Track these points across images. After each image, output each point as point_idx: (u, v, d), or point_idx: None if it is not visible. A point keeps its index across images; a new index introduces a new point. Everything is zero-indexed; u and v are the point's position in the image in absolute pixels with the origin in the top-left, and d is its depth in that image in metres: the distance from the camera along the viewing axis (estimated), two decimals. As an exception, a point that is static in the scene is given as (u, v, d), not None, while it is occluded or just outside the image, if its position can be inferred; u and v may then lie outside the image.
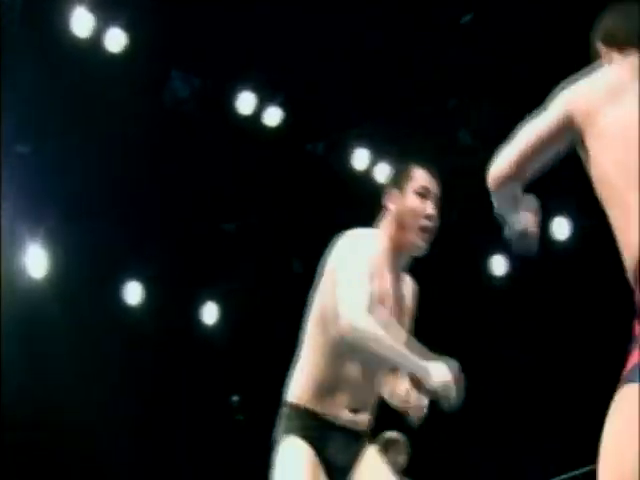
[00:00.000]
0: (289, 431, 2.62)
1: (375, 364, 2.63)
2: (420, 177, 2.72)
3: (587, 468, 5.42)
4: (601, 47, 2.17)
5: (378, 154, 7.53)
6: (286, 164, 7.63)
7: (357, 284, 2.51)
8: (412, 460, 5.23)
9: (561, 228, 7.95)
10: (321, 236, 7.89)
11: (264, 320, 8.49)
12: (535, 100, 2.19)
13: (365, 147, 7.51)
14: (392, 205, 2.72)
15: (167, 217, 7.67)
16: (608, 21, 2.16)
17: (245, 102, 7.00)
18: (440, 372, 2.41)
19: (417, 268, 2.89)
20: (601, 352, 8.00)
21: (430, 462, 7.33)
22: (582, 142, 1.99)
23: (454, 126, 7.40)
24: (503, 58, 6.73)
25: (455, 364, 2.48)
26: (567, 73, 2.11)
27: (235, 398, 9.23)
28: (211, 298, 8.38)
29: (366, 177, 7.57)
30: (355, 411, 2.65)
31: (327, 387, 2.63)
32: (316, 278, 2.74)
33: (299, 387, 2.67)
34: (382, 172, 7.52)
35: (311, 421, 2.62)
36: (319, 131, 7.57)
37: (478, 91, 6.94)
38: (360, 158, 7.54)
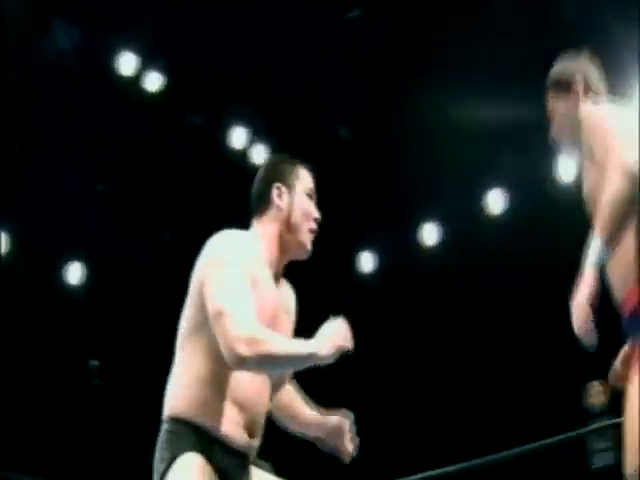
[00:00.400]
0: (181, 449, 2.18)
1: (275, 378, 2.34)
2: (307, 178, 2.53)
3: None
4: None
5: (257, 135, 7.54)
6: (164, 131, 7.54)
7: (237, 299, 2.16)
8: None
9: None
10: (191, 205, 7.98)
11: (129, 284, 8.40)
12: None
13: (244, 126, 7.50)
14: (282, 203, 2.45)
15: (34, 170, 7.47)
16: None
17: (127, 63, 6.91)
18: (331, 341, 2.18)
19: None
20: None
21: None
22: None
23: (333, 120, 7.48)
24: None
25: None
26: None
27: (94, 363, 9.11)
28: (77, 258, 8.24)
29: (243, 156, 7.57)
30: (251, 435, 2.28)
31: (217, 403, 2.22)
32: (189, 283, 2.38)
33: (184, 400, 2.25)
34: (259, 154, 7.56)
35: (203, 439, 2.20)
36: (200, 103, 7.50)
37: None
38: (238, 136, 7.52)
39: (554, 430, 5.37)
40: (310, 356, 2.13)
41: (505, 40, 6.57)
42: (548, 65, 2.92)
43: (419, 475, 5.55)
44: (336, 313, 2.27)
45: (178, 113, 7.49)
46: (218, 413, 2.19)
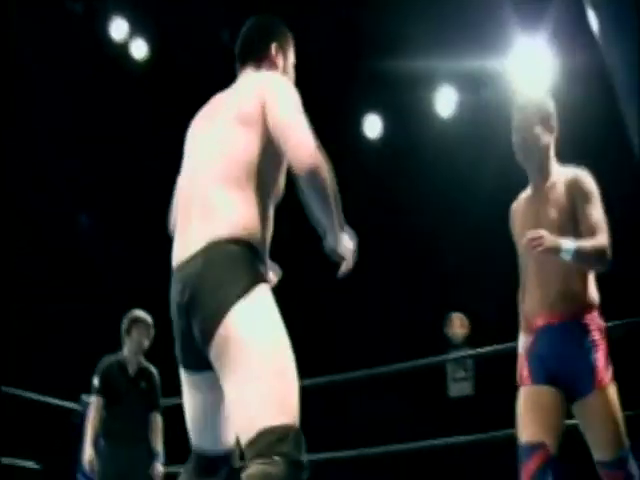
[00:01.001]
0: (259, 277, 2.06)
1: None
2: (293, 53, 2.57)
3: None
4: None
5: (137, 28, 7.17)
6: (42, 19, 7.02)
7: (305, 120, 2.18)
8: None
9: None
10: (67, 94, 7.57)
11: None
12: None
13: (125, 18, 7.10)
14: (278, 62, 2.49)
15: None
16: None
17: None
18: (348, 243, 2.31)
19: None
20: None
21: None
22: None
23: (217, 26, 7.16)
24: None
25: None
26: None
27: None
28: None
29: (122, 49, 7.20)
30: None
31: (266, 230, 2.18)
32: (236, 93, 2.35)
33: (252, 224, 2.12)
34: (138, 48, 7.21)
35: (264, 271, 2.14)
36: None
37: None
38: (118, 28, 7.12)
39: (415, 356, 5.42)
40: (336, 226, 2.20)
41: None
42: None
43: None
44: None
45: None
46: (267, 244, 2.19)
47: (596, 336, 2.99)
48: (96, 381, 5.07)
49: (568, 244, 2.87)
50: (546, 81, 6.78)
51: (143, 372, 5.22)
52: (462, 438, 4.98)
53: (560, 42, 6.62)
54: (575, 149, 6.22)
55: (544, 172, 3.20)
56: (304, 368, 2.27)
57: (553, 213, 3.09)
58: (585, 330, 2.99)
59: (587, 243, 2.91)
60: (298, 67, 2.53)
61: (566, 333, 3.00)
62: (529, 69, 6.82)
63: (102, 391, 5.05)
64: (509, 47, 6.80)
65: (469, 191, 7.03)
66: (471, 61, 6.81)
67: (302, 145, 2.10)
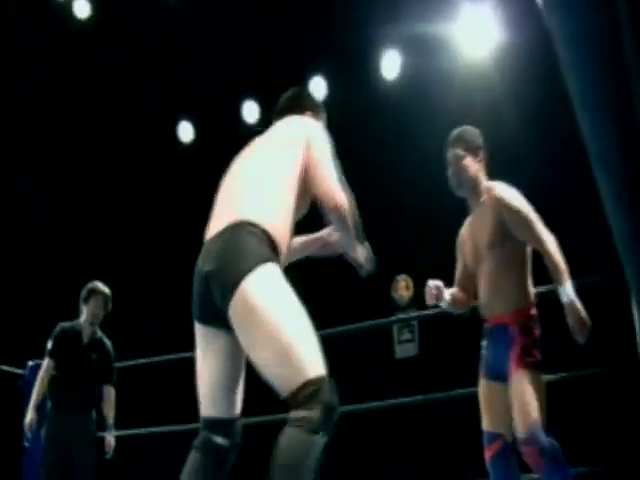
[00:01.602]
0: (269, 256, 2.39)
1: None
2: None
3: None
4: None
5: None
6: None
7: (335, 169, 2.65)
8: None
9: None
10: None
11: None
12: None
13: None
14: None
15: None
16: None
17: None
18: (364, 253, 2.79)
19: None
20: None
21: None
22: None
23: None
24: None
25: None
26: None
27: None
28: None
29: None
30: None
31: (286, 239, 2.57)
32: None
33: (274, 218, 2.50)
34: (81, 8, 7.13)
35: (277, 256, 2.47)
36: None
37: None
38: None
39: (361, 318, 5.49)
40: (354, 243, 2.72)
41: None
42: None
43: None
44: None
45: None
46: (284, 242, 2.51)
47: (515, 333, 3.31)
48: (49, 344, 5.10)
49: (571, 297, 3.25)
50: (490, 48, 6.85)
51: (97, 343, 5.24)
52: (408, 399, 5.09)
53: (505, 10, 6.68)
54: (520, 117, 6.33)
55: (477, 196, 3.54)
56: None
57: (485, 233, 3.45)
58: (508, 331, 3.33)
59: (558, 274, 3.25)
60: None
61: (495, 335, 3.40)
62: (474, 35, 6.88)
63: (54, 354, 5.07)
64: (456, 13, 6.84)
65: (415, 155, 7.08)
66: (418, 26, 6.84)
67: (330, 192, 2.57)
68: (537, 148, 6.18)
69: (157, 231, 8.87)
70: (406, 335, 7.80)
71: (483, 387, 3.46)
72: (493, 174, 3.61)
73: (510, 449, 3.35)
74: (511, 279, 3.39)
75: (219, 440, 2.46)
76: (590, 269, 4.64)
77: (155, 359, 5.97)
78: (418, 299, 8.45)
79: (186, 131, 8.61)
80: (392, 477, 7.02)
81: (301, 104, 2.99)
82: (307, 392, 2.22)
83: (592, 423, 6.66)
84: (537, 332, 3.37)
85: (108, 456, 5.09)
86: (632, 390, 4.68)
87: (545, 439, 3.16)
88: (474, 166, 3.54)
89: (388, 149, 7.78)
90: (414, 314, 7.09)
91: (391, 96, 7.63)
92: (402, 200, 7.69)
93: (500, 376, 3.34)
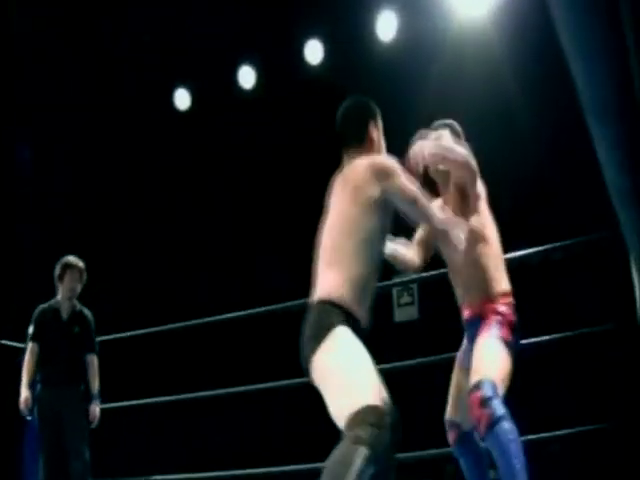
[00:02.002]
0: (339, 321, 2.80)
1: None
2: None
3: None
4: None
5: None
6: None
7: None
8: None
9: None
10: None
11: None
12: None
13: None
14: (375, 137, 3.20)
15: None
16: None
17: None
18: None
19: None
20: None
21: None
22: None
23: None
24: None
25: None
26: None
27: None
28: None
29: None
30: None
31: (364, 295, 2.91)
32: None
33: (341, 289, 2.87)
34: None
35: (355, 322, 2.85)
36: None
37: None
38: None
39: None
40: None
41: None
42: None
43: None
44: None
45: None
46: (360, 305, 2.88)
47: (489, 318, 3.16)
48: (31, 329, 5.19)
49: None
50: (486, 8, 6.76)
51: (77, 316, 5.28)
52: (408, 362, 5.08)
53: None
54: (516, 76, 6.25)
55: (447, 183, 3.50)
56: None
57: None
58: (482, 323, 3.18)
59: None
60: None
61: (472, 326, 3.24)
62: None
63: (36, 338, 5.13)
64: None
65: (409, 114, 7.03)
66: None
67: (434, 218, 3.00)
68: (533, 109, 6.12)
69: (155, 200, 8.86)
70: (406, 298, 7.77)
71: (454, 374, 3.38)
72: (490, 137, 3.57)
73: (470, 434, 3.27)
74: (486, 266, 3.27)
75: None
76: (590, 228, 4.61)
77: (134, 332, 5.96)
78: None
79: (183, 99, 8.58)
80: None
81: (362, 132, 3.17)
82: (349, 422, 2.56)
83: (596, 382, 6.68)
84: (511, 317, 3.19)
85: (93, 425, 5.14)
86: (633, 348, 4.68)
87: (495, 393, 2.94)
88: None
89: (383, 110, 7.72)
90: (414, 277, 7.05)
91: (387, 58, 7.56)
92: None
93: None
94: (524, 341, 4.06)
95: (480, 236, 3.27)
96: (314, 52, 7.91)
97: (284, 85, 8.18)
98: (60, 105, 8.12)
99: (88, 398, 5.17)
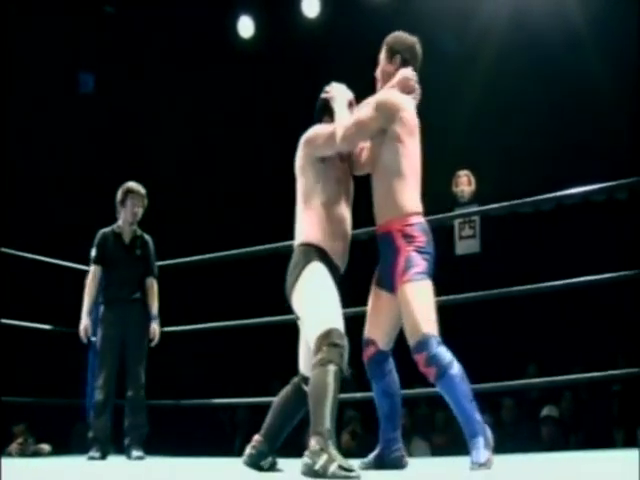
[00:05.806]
0: (313, 259, 3.23)
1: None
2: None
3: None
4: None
5: None
6: None
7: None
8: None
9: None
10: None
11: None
12: None
13: None
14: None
15: None
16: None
17: None
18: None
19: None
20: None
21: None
22: None
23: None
24: None
25: None
26: None
27: None
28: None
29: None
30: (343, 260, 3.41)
31: (331, 230, 3.31)
32: None
33: (314, 232, 3.30)
34: None
35: (324, 256, 3.26)
36: None
37: None
38: None
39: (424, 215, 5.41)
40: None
41: None
42: None
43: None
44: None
45: None
46: (332, 242, 3.30)
47: (399, 242, 3.27)
48: (93, 252, 5.29)
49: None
50: None
51: (138, 240, 5.37)
52: (469, 295, 5.04)
53: None
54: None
55: None
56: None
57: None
58: (392, 238, 3.29)
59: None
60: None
61: (383, 243, 3.36)
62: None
63: (98, 260, 5.24)
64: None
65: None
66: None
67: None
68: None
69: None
70: (467, 231, 7.70)
71: (372, 295, 3.47)
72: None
73: (385, 356, 3.41)
74: (397, 185, 3.34)
75: None
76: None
77: (195, 258, 6.01)
78: (480, 195, 8.33)
79: (246, 27, 8.79)
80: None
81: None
82: (319, 342, 3.01)
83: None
84: (421, 239, 3.28)
85: (153, 344, 5.27)
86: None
87: (436, 348, 3.12)
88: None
89: (315, 81, 7.80)
90: (475, 209, 6.96)
91: (313, 33, 8.22)
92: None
93: (386, 286, 3.36)
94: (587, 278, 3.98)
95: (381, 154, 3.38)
96: (245, 28, 8.59)
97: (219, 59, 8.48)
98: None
99: (148, 318, 5.29)
